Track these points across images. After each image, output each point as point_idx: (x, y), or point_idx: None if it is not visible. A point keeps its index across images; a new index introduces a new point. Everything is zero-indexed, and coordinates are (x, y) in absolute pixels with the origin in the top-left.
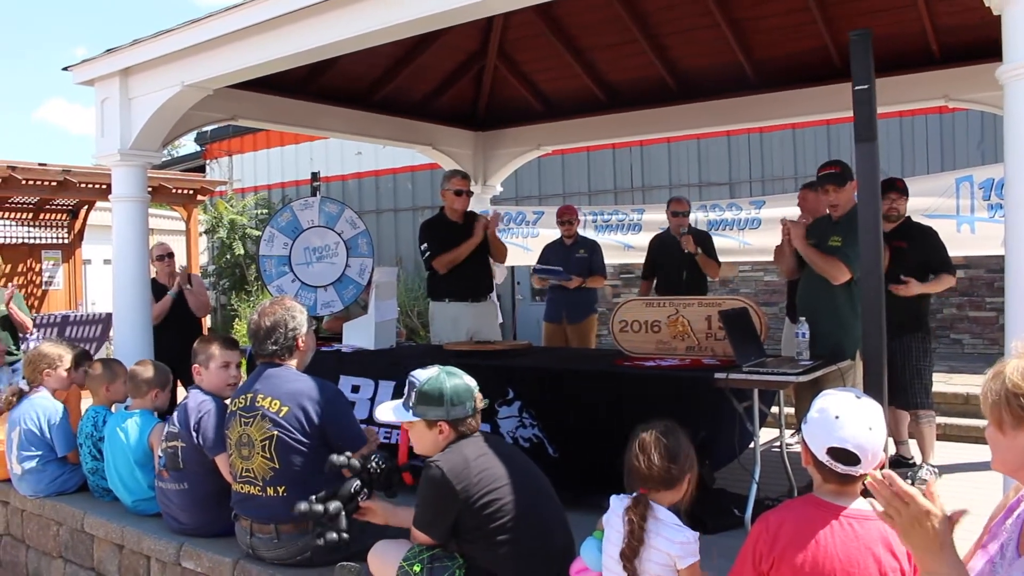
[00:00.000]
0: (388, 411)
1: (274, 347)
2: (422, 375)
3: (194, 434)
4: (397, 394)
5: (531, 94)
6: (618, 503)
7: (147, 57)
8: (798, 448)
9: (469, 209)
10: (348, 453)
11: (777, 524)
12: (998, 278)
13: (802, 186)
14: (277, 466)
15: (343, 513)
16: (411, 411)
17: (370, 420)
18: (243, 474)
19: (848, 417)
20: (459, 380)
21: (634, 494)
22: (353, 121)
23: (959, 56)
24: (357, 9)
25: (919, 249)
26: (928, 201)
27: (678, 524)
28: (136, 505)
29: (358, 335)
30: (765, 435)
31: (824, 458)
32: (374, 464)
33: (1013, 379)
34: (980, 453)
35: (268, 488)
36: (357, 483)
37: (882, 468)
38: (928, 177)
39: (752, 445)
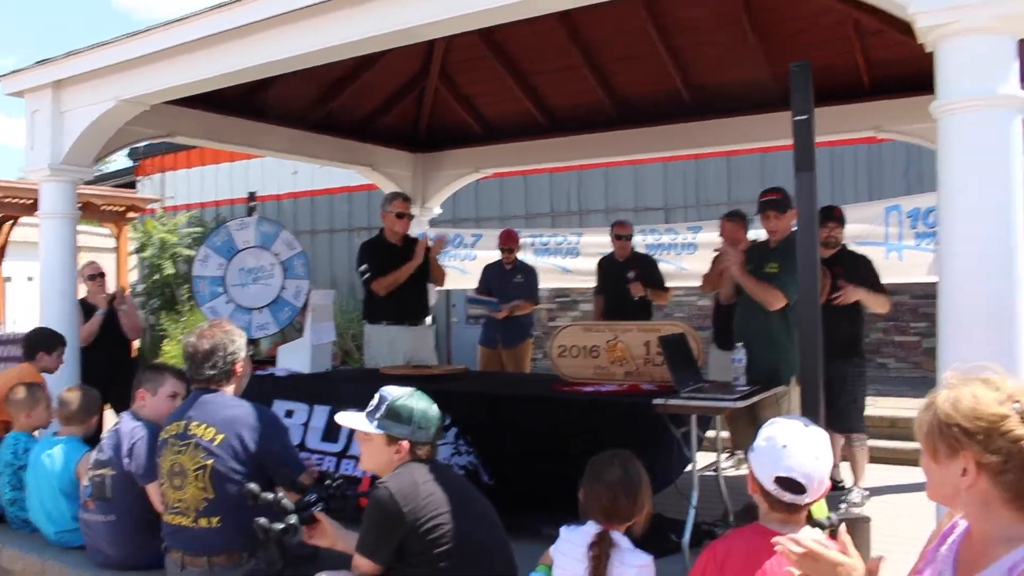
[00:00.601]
0: (352, 418)
1: (211, 371)
2: (395, 391)
3: (126, 460)
4: (332, 419)
5: (472, 117)
6: (572, 535)
7: (81, 70)
8: (733, 472)
9: (408, 232)
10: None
11: (724, 552)
12: (922, 304)
13: (722, 216)
14: (211, 496)
15: (291, 525)
16: (375, 423)
17: (302, 446)
18: (174, 504)
19: (795, 446)
20: (429, 406)
21: (597, 530)
22: (293, 140)
23: (890, 89)
24: (299, 28)
25: (855, 276)
26: (859, 228)
27: (632, 548)
28: (59, 537)
29: (293, 358)
30: (701, 459)
31: (771, 487)
32: (331, 480)
33: (944, 409)
34: (906, 475)
35: (201, 519)
36: (313, 495)
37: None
38: (859, 205)
39: (689, 469)
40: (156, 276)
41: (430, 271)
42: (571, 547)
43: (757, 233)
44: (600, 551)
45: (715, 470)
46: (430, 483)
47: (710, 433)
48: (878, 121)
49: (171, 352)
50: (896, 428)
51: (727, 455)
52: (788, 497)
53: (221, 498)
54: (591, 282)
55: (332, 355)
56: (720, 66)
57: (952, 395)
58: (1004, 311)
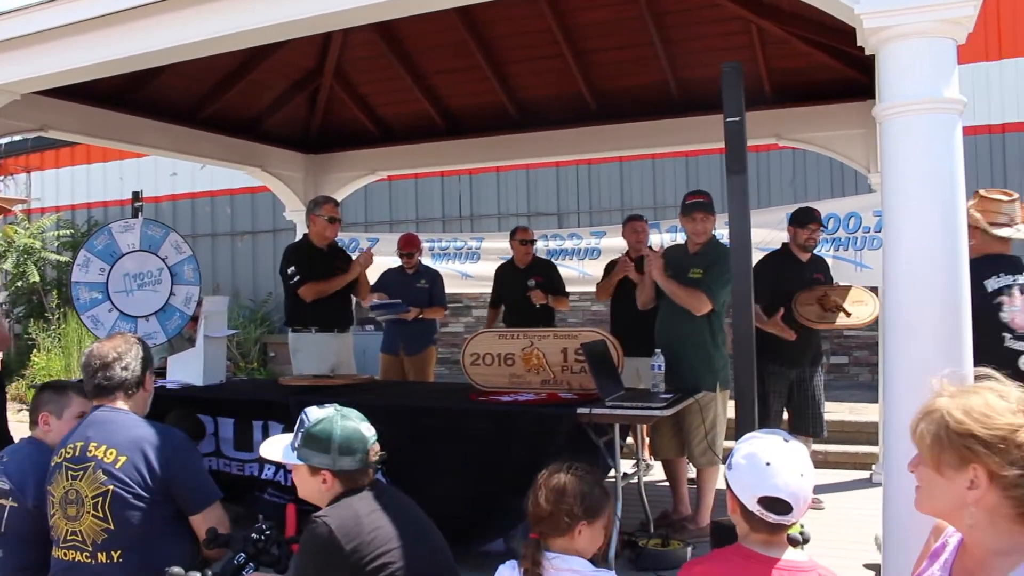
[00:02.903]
0: (275, 449)
1: (110, 385)
2: (313, 414)
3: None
4: (239, 429)
5: (367, 117)
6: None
7: None
8: (650, 478)
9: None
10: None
11: None
12: None
13: (625, 219)
14: (111, 527)
15: None
16: (296, 453)
17: (218, 453)
18: (68, 537)
19: (779, 464)
20: (353, 427)
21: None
22: (177, 138)
23: (790, 97)
24: (185, 16)
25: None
26: (762, 234)
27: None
28: None
29: (185, 370)
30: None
31: (755, 507)
32: (256, 535)
33: (956, 417)
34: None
35: (99, 553)
36: (242, 556)
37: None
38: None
39: (612, 479)
40: (20, 283)
41: (357, 284)
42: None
43: (662, 239)
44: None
45: (635, 479)
46: (376, 514)
47: (628, 440)
48: (777, 129)
49: (40, 363)
50: (844, 432)
51: (644, 463)
52: (773, 518)
53: (123, 529)
54: (491, 287)
55: (226, 366)
56: (623, 70)
57: (961, 403)
58: (950, 310)
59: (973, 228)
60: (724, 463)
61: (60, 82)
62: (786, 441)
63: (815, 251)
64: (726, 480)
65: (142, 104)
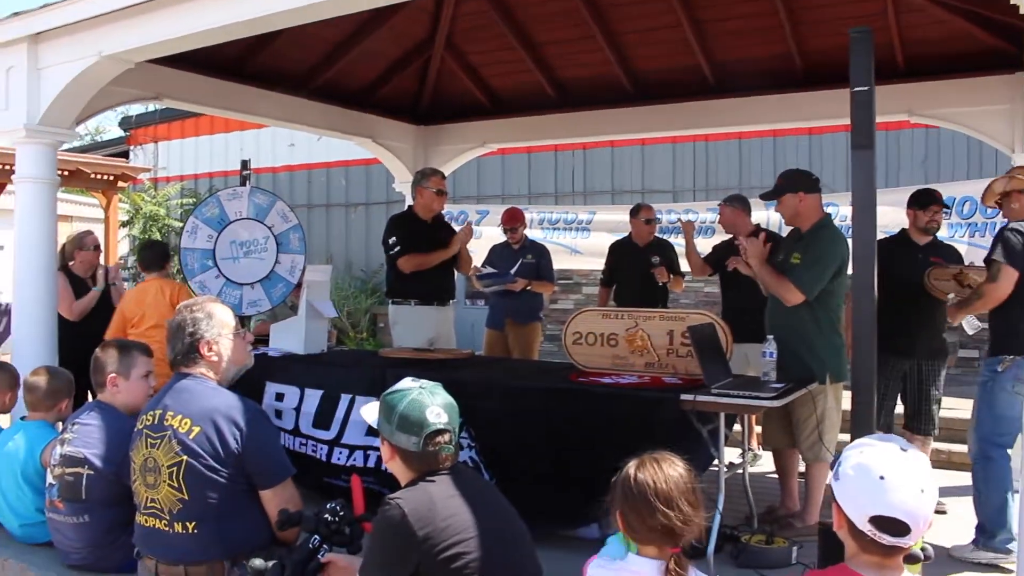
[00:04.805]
0: (374, 412)
1: (174, 354)
2: (403, 384)
3: (106, 459)
4: (324, 404)
5: (478, 88)
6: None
7: (61, 22)
8: (758, 469)
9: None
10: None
11: None
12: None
13: (721, 201)
14: (186, 497)
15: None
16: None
17: (296, 431)
18: (148, 505)
19: (897, 478)
20: (420, 406)
21: (660, 563)
22: (289, 108)
23: (925, 71)
24: None
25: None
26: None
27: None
28: (24, 531)
29: (287, 338)
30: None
31: (866, 527)
32: (329, 516)
33: None
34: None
35: (176, 523)
36: (316, 538)
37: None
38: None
39: (715, 469)
40: None
41: (458, 257)
42: None
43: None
44: None
45: (740, 470)
46: (453, 500)
47: (735, 427)
48: (910, 104)
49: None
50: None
51: (752, 453)
52: (888, 540)
53: (196, 501)
54: (601, 263)
55: (328, 334)
56: (745, 40)
57: None
58: None
59: None
60: (835, 459)
61: (172, 50)
62: (904, 450)
63: (947, 237)
64: (832, 491)
65: (254, 74)
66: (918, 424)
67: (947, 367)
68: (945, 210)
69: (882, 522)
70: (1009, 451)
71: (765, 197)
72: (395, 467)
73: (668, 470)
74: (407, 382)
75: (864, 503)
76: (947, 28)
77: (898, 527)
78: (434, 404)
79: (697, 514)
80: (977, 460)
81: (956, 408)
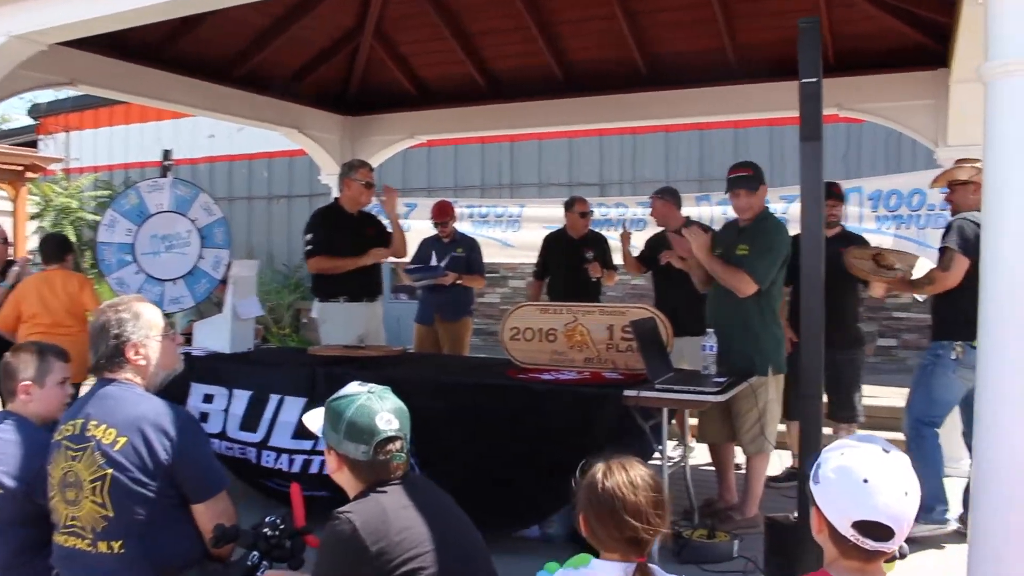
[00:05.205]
0: (317, 419)
1: (97, 358)
2: (349, 389)
3: (15, 475)
4: (252, 406)
5: (407, 79)
6: None
7: None
8: (692, 462)
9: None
10: None
11: None
12: None
13: (653, 194)
14: (111, 514)
15: None
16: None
17: (223, 435)
18: (68, 523)
19: (880, 481)
20: (368, 412)
21: (628, 568)
22: (211, 97)
23: (853, 65)
24: None
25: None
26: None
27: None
28: None
29: (212, 336)
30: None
31: (848, 532)
32: (269, 530)
33: None
34: None
35: (99, 542)
36: (255, 555)
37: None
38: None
39: (660, 464)
40: None
41: (391, 240)
42: None
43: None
44: None
45: (683, 464)
46: (406, 512)
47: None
48: (839, 99)
49: None
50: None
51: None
52: (871, 545)
53: (122, 518)
54: (534, 257)
55: (255, 332)
56: (678, 33)
57: None
58: None
59: None
60: (775, 450)
61: (87, 31)
62: (886, 452)
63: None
64: (810, 495)
65: (175, 60)
66: (842, 412)
67: (866, 356)
68: (871, 203)
69: (865, 527)
70: (937, 431)
71: (746, 187)
72: (342, 478)
73: (636, 479)
74: (354, 387)
75: (847, 507)
76: (876, 24)
77: (882, 531)
78: (384, 410)
79: (664, 523)
80: (912, 440)
81: (878, 396)
